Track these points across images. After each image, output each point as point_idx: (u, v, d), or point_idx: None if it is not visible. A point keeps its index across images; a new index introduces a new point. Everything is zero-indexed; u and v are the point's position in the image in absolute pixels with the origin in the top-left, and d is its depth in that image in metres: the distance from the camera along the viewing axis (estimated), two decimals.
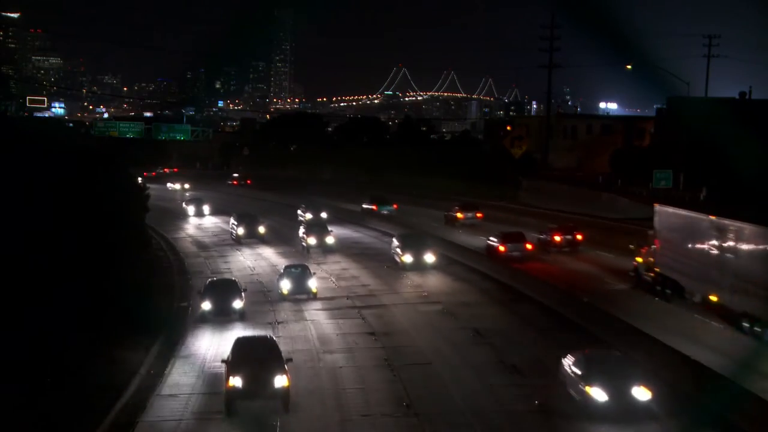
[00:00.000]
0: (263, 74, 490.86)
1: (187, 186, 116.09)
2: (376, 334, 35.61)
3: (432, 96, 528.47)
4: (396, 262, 52.14)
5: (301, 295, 43.03)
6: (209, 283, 40.48)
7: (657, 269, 42.14)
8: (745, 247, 34.76)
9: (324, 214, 73.57)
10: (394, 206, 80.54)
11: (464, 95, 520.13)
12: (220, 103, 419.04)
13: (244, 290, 40.54)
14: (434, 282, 47.59)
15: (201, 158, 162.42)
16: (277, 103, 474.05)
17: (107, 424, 24.42)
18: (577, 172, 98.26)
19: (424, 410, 25.85)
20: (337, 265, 53.54)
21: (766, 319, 31.15)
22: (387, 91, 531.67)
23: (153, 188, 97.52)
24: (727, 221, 36.61)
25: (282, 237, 67.01)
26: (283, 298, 43.07)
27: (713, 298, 36.32)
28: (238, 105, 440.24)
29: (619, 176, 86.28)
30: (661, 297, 40.66)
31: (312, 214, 73.45)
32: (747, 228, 34.76)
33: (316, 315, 39.59)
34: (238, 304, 38.65)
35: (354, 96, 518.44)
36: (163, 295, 43.42)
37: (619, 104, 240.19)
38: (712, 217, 38.43)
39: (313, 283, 43.53)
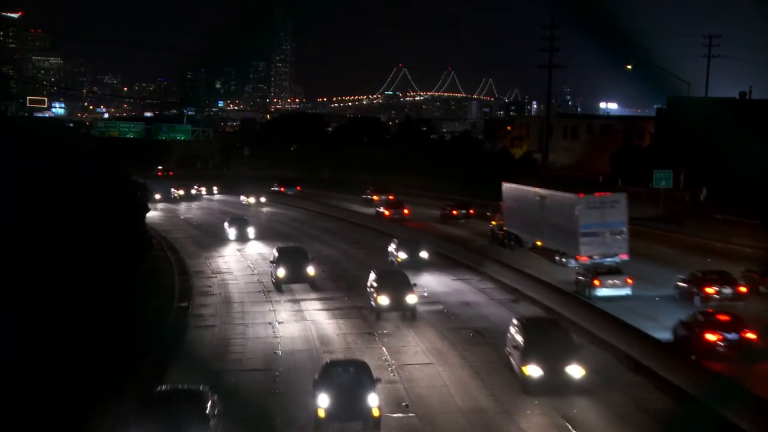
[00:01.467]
0: (263, 74, 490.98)
1: (263, 200, 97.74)
2: (376, 334, 35.61)
3: (432, 96, 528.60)
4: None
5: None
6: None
7: (505, 228, 60.66)
8: (554, 207, 52.88)
9: (424, 254, 52.11)
10: (298, 188, 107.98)
11: (464, 95, 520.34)
12: (220, 103, 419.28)
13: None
14: (434, 281, 47.62)
15: (201, 158, 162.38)
16: (277, 103, 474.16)
17: (107, 425, 24.38)
18: (577, 172, 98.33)
19: (424, 410, 25.85)
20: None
21: (568, 252, 50.04)
22: (387, 91, 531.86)
23: (215, 202, 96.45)
24: (543, 190, 54.70)
25: None
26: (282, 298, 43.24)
27: (539, 243, 55.14)
28: (238, 105, 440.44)
29: (619, 176, 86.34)
30: (508, 246, 58.51)
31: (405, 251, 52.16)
32: (556, 194, 52.99)
33: (317, 315, 39.58)
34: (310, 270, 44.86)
35: (354, 96, 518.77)
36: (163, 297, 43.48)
37: (619, 104, 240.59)
38: (536, 188, 56.33)
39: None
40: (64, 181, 35.25)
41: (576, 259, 48.91)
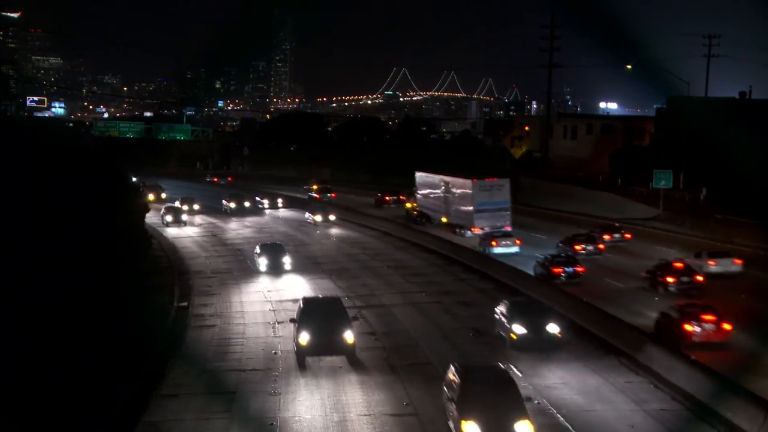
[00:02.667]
0: (263, 74, 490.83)
1: (332, 218, 76.45)
2: (376, 334, 35.61)
3: (432, 96, 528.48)
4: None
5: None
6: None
7: (417, 209, 76.25)
8: (455, 190, 68.50)
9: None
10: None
11: (464, 95, 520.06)
12: (220, 103, 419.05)
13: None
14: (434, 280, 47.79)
15: (201, 158, 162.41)
16: (277, 103, 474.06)
17: (107, 425, 24.41)
18: (577, 172, 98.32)
19: (424, 410, 25.84)
20: None
21: (466, 225, 64.81)
22: (387, 91, 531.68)
23: (279, 219, 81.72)
24: (447, 177, 70.96)
25: None
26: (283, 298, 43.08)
27: (444, 220, 70.67)
28: (238, 105, 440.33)
29: (619, 176, 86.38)
30: (421, 224, 72.00)
31: None
32: (456, 180, 68.57)
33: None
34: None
35: (354, 96, 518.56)
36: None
37: (619, 104, 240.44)
38: (441, 175, 72.35)
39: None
40: (64, 181, 35.24)
41: (471, 231, 63.96)
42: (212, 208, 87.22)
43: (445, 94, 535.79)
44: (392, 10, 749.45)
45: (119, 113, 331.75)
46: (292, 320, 32.33)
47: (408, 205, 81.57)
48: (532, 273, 46.37)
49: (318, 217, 75.44)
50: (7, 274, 28.54)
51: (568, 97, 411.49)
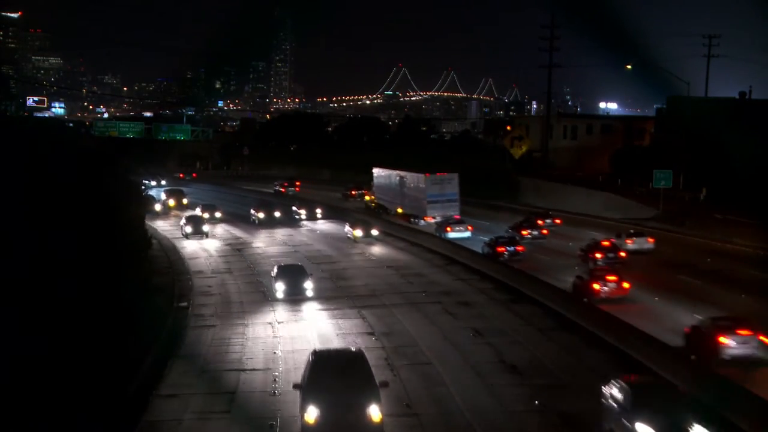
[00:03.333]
0: (263, 74, 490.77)
1: (375, 233, 64.60)
2: (375, 334, 35.62)
3: (432, 96, 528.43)
4: None
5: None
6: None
7: (375, 201, 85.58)
8: (409, 184, 75.92)
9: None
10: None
11: (464, 95, 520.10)
12: (220, 103, 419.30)
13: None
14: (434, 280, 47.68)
15: (201, 158, 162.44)
16: (277, 103, 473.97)
17: (107, 425, 24.42)
18: (577, 172, 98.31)
19: (424, 410, 25.84)
20: None
21: (419, 215, 72.62)
22: (387, 91, 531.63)
23: (316, 232, 69.88)
24: (402, 172, 78.22)
25: None
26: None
27: (399, 210, 77.81)
28: (238, 105, 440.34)
29: (619, 176, 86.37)
30: (379, 215, 78.15)
31: None
32: (410, 174, 75.83)
33: (316, 315, 39.59)
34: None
35: (354, 96, 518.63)
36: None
37: (619, 104, 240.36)
38: (396, 171, 79.88)
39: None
40: (64, 181, 35.24)
41: (424, 219, 71.61)
42: (237, 216, 79.40)
43: (445, 94, 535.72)
44: (392, 10, 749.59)
45: (119, 113, 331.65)
46: (295, 386, 24.34)
47: (367, 197, 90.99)
48: (480, 251, 54.22)
49: (357, 232, 64.20)
50: (6, 274, 28.55)
51: (568, 97, 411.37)
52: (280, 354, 32.70)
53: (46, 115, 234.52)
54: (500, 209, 79.94)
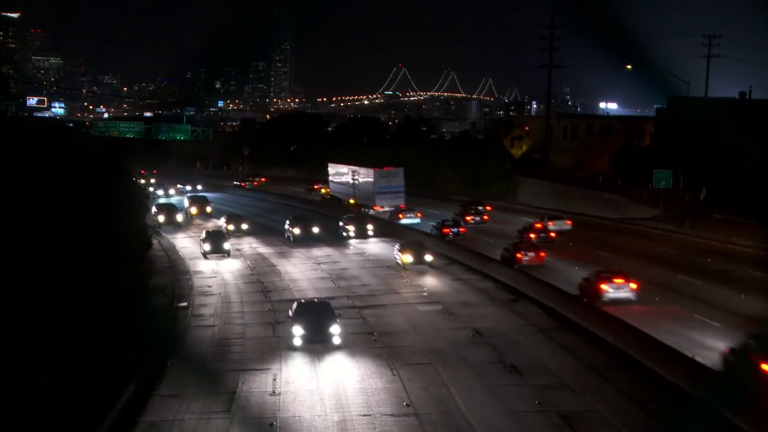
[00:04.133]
0: (263, 74, 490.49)
1: (429, 258, 51.13)
2: (375, 334, 35.60)
3: (432, 96, 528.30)
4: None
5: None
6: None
7: (330, 194, 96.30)
8: (360, 177, 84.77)
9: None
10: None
11: (464, 95, 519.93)
12: (220, 103, 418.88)
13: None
14: (434, 282, 47.67)
15: (201, 158, 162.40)
16: (277, 103, 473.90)
17: (107, 424, 24.43)
18: (577, 172, 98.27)
19: (424, 410, 25.84)
20: None
21: (369, 205, 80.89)
22: (387, 91, 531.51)
23: (364, 255, 56.79)
24: (354, 166, 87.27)
25: None
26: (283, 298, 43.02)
27: (352, 201, 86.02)
28: (238, 105, 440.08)
29: (619, 176, 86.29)
30: (333, 205, 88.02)
31: None
32: (361, 169, 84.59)
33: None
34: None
35: (354, 96, 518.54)
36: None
37: (619, 104, 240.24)
38: (349, 166, 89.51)
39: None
40: (64, 181, 35.25)
41: (374, 209, 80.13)
42: (266, 229, 70.13)
43: (445, 94, 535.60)
44: (392, 9, 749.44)
45: (119, 113, 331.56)
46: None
47: (323, 191, 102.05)
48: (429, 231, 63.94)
49: (407, 257, 49.98)
50: (6, 273, 28.54)
51: (568, 97, 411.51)
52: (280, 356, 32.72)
53: (46, 115, 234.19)
54: (451, 200, 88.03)
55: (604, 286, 39.02)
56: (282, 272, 51.44)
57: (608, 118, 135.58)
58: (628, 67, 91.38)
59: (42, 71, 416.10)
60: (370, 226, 65.64)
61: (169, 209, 74.11)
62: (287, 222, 65.30)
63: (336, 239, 64.22)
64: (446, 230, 63.13)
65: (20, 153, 35.33)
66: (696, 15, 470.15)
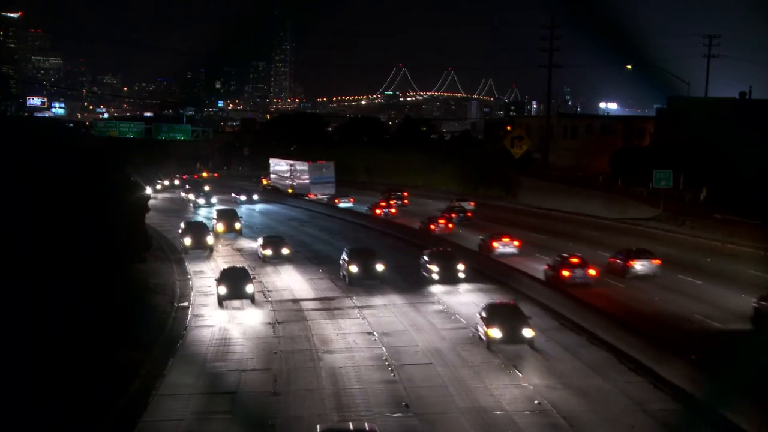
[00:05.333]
0: (263, 74, 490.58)
1: (529, 334, 32.85)
2: (375, 334, 35.60)
3: (432, 96, 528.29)
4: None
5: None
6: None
7: (270, 185, 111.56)
8: (297, 170, 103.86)
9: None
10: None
11: (464, 95, 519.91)
12: (220, 103, 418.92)
13: None
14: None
15: (201, 158, 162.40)
16: (277, 103, 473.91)
17: (108, 424, 24.44)
18: (577, 172, 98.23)
19: (424, 410, 25.86)
20: None
21: (305, 193, 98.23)
22: (387, 91, 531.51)
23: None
24: (292, 160, 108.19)
25: None
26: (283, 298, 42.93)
27: (290, 191, 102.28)
28: (238, 105, 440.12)
29: (619, 176, 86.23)
30: (273, 194, 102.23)
31: None
32: (298, 162, 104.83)
33: (316, 315, 39.57)
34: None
35: (354, 96, 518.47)
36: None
37: (619, 104, 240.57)
38: (287, 160, 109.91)
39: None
40: (65, 181, 35.26)
41: (308, 197, 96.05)
42: (312, 255, 57.42)
43: (445, 94, 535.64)
44: (392, 10, 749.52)
45: (119, 113, 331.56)
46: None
47: (264, 181, 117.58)
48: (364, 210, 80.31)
49: (494, 332, 32.59)
50: (6, 273, 28.55)
51: (568, 97, 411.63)
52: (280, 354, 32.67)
53: (47, 115, 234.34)
54: (375, 189, 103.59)
55: (495, 244, 54.80)
56: (318, 333, 35.99)
57: (608, 118, 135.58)
58: (628, 67, 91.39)
59: (42, 71, 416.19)
60: (460, 267, 46.46)
61: (198, 230, 59.50)
62: (344, 255, 47.85)
63: (411, 282, 46.79)
64: (378, 211, 79.27)
65: (20, 153, 35.34)
66: (696, 15, 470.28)
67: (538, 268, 47.29)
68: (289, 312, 40.45)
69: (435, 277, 46.12)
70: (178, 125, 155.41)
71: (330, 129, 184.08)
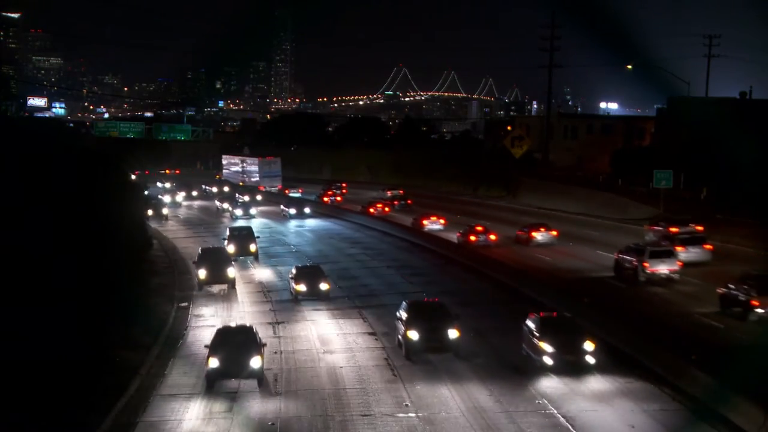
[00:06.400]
0: (263, 74, 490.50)
1: None
2: (376, 334, 35.60)
3: (432, 96, 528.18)
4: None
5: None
6: None
7: (223, 178, 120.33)
8: (248, 165, 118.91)
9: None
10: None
11: (464, 95, 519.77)
12: (221, 103, 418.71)
13: None
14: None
15: (201, 158, 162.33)
16: (277, 103, 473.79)
17: (108, 424, 24.44)
18: (577, 172, 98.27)
19: (424, 410, 25.85)
20: None
21: (256, 186, 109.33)
22: (387, 91, 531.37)
23: None
24: (242, 156, 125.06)
25: None
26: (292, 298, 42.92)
27: (241, 184, 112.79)
28: (238, 105, 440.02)
29: (619, 176, 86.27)
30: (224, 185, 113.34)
31: None
32: (249, 158, 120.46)
33: (317, 315, 39.56)
34: None
35: (354, 96, 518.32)
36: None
37: (619, 104, 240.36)
38: (239, 156, 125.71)
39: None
40: (65, 181, 35.25)
41: (259, 189, 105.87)
42: (362, 292, 45.00)
43: (446, 94, 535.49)
44: (393, 10, 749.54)
45: (120, 113, 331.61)
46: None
47: (217, 177, 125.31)
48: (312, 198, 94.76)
49: None
50: (7, 273, 28.54)
51: (569, 97, 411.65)
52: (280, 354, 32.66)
53: (47, 115, 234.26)
54: (320, 183, 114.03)
55: (425, 222, 68.97)
56: None
57: (608, 118, 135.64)
58: (629, 67, 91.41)
59: (42, 71, 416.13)
60: (589, 347, 29.00)
61: (214, 258, 46.56)
62: (402, 310, 32.65)
63: (505, 364, 30.82)
64: (326, 199, 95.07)
65: (20, 153, 35.34)
66: (696, 15, 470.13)
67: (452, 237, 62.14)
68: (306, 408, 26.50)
69: (547, 361, 28.80)
70: (178, 125, 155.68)
71: (330, 129, 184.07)
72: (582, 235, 62.87)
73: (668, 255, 45.12)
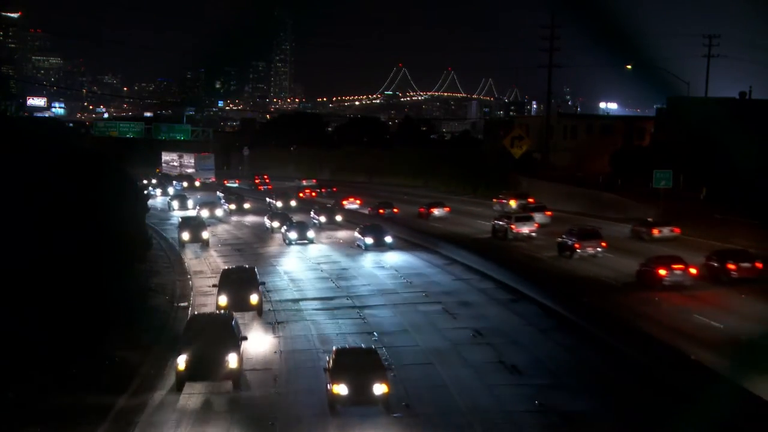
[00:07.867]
0: (263, 74, 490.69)
1: None
2: (376, 333, 35.60)
3: (432, 96, 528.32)
4: None
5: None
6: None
7: (161, 173, 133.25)
8: (185, 160, 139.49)
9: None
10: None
11: (464, 95, 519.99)
12: (220, 103, 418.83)
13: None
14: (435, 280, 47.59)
15: None
16: (277, 103, 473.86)
17: (108, 424, 24.45)
18: (577, 172, 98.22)
19: (424, 410, 25.85)
20: None
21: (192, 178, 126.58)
22: (387, 91, 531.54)
23: None
24: (180, 153, 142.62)
25: None
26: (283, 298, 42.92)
27: (197, 180, 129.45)
28: (238, 105, 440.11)
29: (619, 176, 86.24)
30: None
31: None
32: (186, 154, 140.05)
33: (317, 315, 39.57)
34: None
35: (354, 96, 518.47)
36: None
37: (619, 104, 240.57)
38: (177, 153, 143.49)
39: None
40: (66, 181, 35.28)
41: (196, 180, 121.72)
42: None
43: (445, 94, 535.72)
44: (393, 9, 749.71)
45: (119, 113, 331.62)
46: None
47: (157, 170, 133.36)
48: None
49: None
50: (8, 272, 28.56)
51: (568, 97, 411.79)
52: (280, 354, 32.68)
53: (47, 115, 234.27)
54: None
55: (344, 202, 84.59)
56: None
57: (608, 118, 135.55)
58: (628, 67, 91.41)
59: (42, 71, 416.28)
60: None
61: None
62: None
63: None
64: (301, 195, 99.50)
65: (21, 154, 35.35)
66: (696, 15, 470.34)
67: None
68: None
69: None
70: (178, 125, 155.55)
71: (330, 129, 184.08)
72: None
73: (528, 219, 61.66)
